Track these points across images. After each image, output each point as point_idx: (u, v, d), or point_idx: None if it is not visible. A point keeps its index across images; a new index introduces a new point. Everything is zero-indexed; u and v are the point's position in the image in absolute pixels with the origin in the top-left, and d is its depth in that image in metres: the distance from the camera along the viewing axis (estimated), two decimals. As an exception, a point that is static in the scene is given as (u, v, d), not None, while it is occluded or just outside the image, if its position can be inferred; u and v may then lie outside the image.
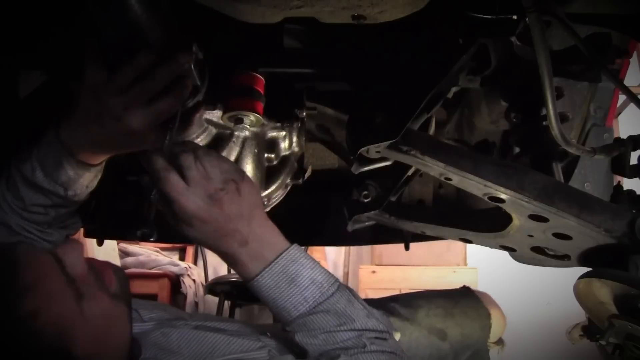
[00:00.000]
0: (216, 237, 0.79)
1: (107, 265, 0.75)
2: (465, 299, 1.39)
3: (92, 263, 0.72)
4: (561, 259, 1.10)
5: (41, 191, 0.85)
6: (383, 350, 0.79)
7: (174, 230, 0.78)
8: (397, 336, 0.85)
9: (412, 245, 1.49)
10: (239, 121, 0.93)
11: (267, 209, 1.11)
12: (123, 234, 1.79)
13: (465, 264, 3.62)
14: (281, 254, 0.81)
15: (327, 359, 0.78)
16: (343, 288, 0.83)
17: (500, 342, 1.40)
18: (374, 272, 3.40)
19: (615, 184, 1.14)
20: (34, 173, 0.84)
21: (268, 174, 1.06)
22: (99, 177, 0.92)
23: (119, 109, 0.77)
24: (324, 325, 0.80)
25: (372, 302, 1.02)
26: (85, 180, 0.88)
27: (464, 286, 1.48)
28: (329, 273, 0.84)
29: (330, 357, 0.78)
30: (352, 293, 0.85)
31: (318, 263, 0.84)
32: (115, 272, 0.75)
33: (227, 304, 3.12)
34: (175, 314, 0.90)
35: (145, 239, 0.77)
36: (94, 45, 0.78)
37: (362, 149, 0.94)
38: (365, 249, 3.57)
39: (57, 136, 0.83)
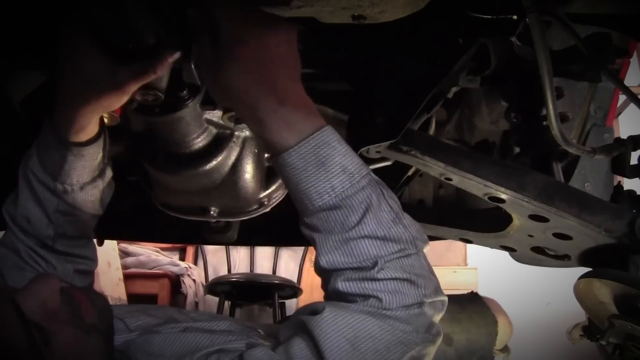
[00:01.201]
0: (257, 79, 0.69)
1: (85, 296, 0.71)
2: (472, 305, 1.39)
3: (69, 294, 0.68)
4: (561, 259, 1.10)
5: (34, 185, 0.84)
6: (394, 277, 0.69)
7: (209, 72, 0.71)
8: (427, 248, 0.76)
9: (412, 245, 1.49)
10: (239, 121, 0.93)
11: (267, 209, 1.11)
12: (123, 234, 1.79)
13: (465, 264, 3.62)
14: (314, 132, 0.70)
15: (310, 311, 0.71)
16: (373, 183, 0.72)
17: (505, 349, 1.40)
18: (374, 272, 3.39)
19: (615, 184, 1.14)
20: (30, 159, 0.84)
21: (268, 174, 1.06)
22: (100, 184, 0.89)
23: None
24: (346, 224, 0.69)
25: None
26: (72, 170, 0.84)
27: (472, 292, 1.48)
28: (362, 163, 0.73)
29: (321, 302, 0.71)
30: (383, 190, 0.73)
31: (351, 150, 0.73)
32: (94, 303, 0.71)
33: (227, 304, 3.12)
34: (164, 317, 0.87)
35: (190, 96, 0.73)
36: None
37: (362, 149, 0.94)
38: (366, 249, 3.56)
39: (49, 112, 0.82)
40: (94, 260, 0.97)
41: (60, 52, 0.77)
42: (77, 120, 0.80)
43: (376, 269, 0.68)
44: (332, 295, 0.71)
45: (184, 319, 0.88)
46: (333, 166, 0.70)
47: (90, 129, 0.83)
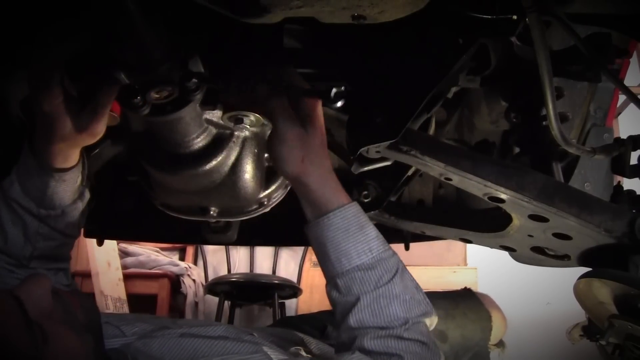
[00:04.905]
0: (308, 154, 0.83)
1: (74, 295, 0.72)
2: (466, 301, 1.39)
3: (60, 294, 0.68)
4: (561, 259, 1.10)
5: (16, 210, 0.84)
6: (417, 339, 0.77)
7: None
8: (434, 321, 0.84)
9: (412, 245, 1.49)
10: (239, 121, 0.93)
11: (267, 209, 1.11)
12: (123, 234, 1.79)
13: (465, 264, 3.62)
14: (352, 202, 0.83)
15: (351, 336, 0.77)
16: (397, 255, 0.83)
17: (500, 344, 1.40)
18: (374, 272, 3.39)
19: (615, 184, 1.14)
20: (11, 186, 0.84)
21: (268, 174, 1.06)
22: (79, 206, 0.90)
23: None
24: (379, 283, 0.78)
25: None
26: (54, 195, 0.85)
27: (465, 288, 1.48)
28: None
29: (354, 337, 0.77)
30: (403, 263, 0.84)
31: None
32: (83, 303, 0.72)
33: (227, 304, 3.12)
34: (159, 324, 0.88)
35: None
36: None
37: (362, 149, 0.94)
38: (366, 249, 3.56)
39: (28, 140, 0.83)
40: (68, 286, 0.96)
41: (34, 99, 0.79)
42: (59, 153, 0.84)
43: (403, 328, 0.76)
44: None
45: (177, 327, 0.88)
46: (370, 232, 0.81)
47: (73, 157, 0.86)
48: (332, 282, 0.82)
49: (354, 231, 0.80)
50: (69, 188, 0.87)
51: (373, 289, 0.78)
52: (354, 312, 0.78)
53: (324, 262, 0.82)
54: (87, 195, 0.92)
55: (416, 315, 0.79)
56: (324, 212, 0.81)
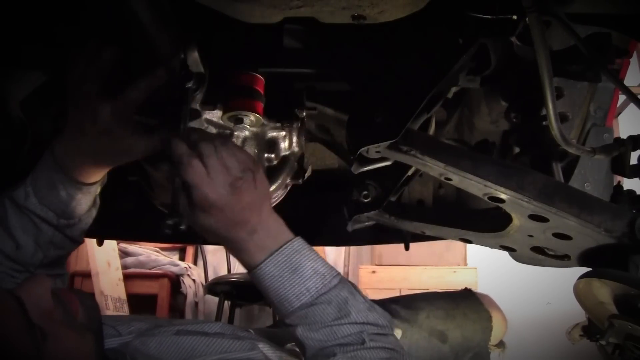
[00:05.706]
0: (228, 224, 0.79)
1: (73, 295, 0.73)
2: (466, 301, 1.39)
3: (59, 294, 0.69)
4: (561, 259, 1.10)
5: (32, 221, 0.84)
6: (383, 347, 0.79)
7: (188, 220, 0.77)
8: (399, 334, 0.84)
9: (412, 245, 1.49)
10: (239, 121, 0.93)
11: (267, 209, 1.11)
12: (123, 234, 1.79)
13: (465, 264, 3.61)
14: (285, 244, 0.82)
15: (323, 357, 0.78)
16: (344, 281, 0.83)
17: (501, 344, 1.40)
18: (374, 272, 3.40)
19: (615, 184, 1.14)
20: (27, 199, 0.83)
21: (268, 174, 1.06)
22: (93, 213, 0.91)
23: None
24: (325, 317, 0.79)
25: (372, 303, 1.02)
26: (77, 206, 0.86)
27: (466, 288, 1.48)
28: (331, 266, 0.84)
29: (326, 354, 0.78)
30: (354, 286, 0.85)
31: (320, 256, 0.84)
32: (82, 302, 0.73)
33: (227, 304, 3.12)
34: (154, 323, 0.89)
35: (175, 228, 0.74)
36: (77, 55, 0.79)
37: (362, 149, 0.94)
38: (365, 249, 3.57)
39: (51, 153, 0.83)
40: (66, 273, 0.96)
41: (91, 119, 0.81)
42: (96, 171, 0.86)
43: (365, 343, 0.78)
44: None
45: (171, 325, 0.89)
46: (305, 270, 0.81)
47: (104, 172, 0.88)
48: (282, 322, 0.84)
49: (288, 276, 0.80)
50: (91, 197, 0.89)
51: (319, 321, 0.80)
52: (310, 336, 0.80)
53: (272, 306, 0.85)
54: (98, 201, 0.93)
55: (372, 333, 0.80)
56: (254, 266, 0.82)
